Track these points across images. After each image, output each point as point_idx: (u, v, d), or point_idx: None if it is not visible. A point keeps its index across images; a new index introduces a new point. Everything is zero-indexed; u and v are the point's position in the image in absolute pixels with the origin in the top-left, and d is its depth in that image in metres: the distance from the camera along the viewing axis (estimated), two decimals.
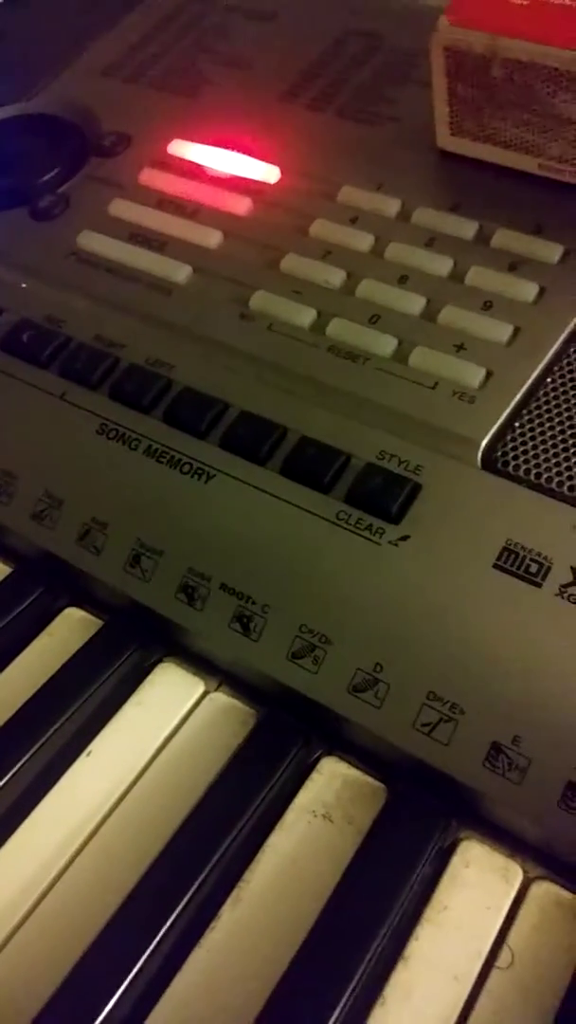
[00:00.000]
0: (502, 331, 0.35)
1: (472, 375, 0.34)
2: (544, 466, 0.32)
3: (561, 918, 0.28)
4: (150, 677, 0.34)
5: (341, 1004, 0.26)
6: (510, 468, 0.32)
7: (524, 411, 0.33)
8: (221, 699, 0.34)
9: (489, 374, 0.34)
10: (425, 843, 0.29)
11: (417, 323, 0.36)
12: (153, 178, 0.43)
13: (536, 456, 0.32)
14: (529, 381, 0.34)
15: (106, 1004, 0.27)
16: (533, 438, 0.32)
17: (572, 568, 0.30)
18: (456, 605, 0.30)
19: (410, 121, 0.43)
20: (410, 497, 0.32)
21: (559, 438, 0.32)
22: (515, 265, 0.37)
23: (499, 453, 0.32)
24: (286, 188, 0.42)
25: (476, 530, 0.31)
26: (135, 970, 0.27)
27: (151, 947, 0.28)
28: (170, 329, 0.38)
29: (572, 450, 0.32)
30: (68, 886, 0.30)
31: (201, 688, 0.34)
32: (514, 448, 0.32)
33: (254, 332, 0.37)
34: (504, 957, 0.27)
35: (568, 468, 0.32)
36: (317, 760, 0.32)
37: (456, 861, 0.29)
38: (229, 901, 0.29)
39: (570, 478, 0.31)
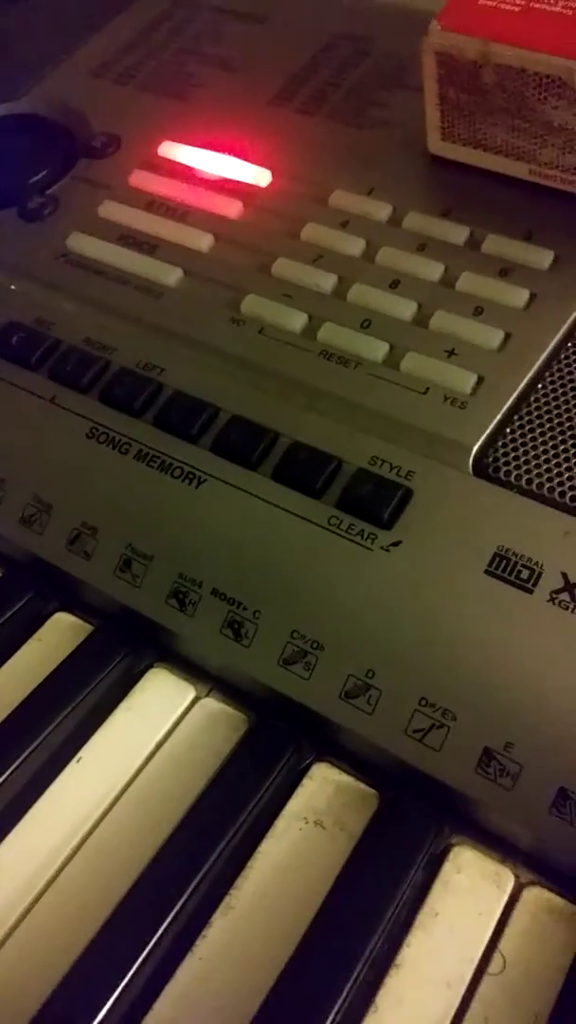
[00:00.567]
0: (493, 337, 0.35)
1: (463, 381, 0.34)
2: (535, 472, 0.32)
3: (553, 924, 0.28)
4: (141, 683, 0.34)
5: (333, 1011, 0.26)
6: (501, 474, 0.32)
7: (515, 417, 0.33)
8: (212, 705, 0.34)
9: (480, 380, 0.34)
10: (417, 849, 0.29)
11: (408, 328, 0.36)
12: (143, 180, 0.43)
13: (527, 462, 0.32)
14: (520, 387, 0.34)
15: (98, 1013, 0.26)
16: (524, 444, 0.32)
17: (563, 574, 0.30)
18: (447, 611, 0.30)
19: (401, 126, 0.43)
20: (401, 503, 0.32)
21: (550, 444, 0.32)
22: (506, 271, 0.37)
23: (490, 459, 0.32)
24: (277, 192, 0.41)
25: (467, 536, 0.31)
26: (127, 978, 0.27)
27: (143, 955, 0.27)
28: (161, 332, 0.38)
29: (563, 456, 0.32)
30: (59, 894, 0.29)
31: (192, 694, 0.34)
32: (505, 454, 0.32)
33: (245, 336, 0.37)
34: (496, 963, 0.28)
35: (559, 474, 0.32)
36: (309, 766, 0.32)
37: (448, 867, 0.29)
38: (221, 908, 0.29)
39: (561, 484, 0.31)
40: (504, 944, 0.28)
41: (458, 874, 0.29)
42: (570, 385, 0.34)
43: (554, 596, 0.29)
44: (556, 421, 0.33)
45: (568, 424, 0.33)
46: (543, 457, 0.32)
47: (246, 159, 0.43)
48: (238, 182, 0.42)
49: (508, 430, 0.33)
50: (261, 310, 0.37)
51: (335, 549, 0.32)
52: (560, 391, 0.33)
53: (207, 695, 0.34)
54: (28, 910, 0.29)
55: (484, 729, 0.29)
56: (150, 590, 0.34)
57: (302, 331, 0.37)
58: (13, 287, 0.41)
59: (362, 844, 0.29)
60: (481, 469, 0.32)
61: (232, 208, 0.41)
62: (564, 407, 0.33)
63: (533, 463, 0.32)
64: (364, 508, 0.32)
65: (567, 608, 0.29)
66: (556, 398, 0.33)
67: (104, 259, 0.41)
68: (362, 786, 0.31)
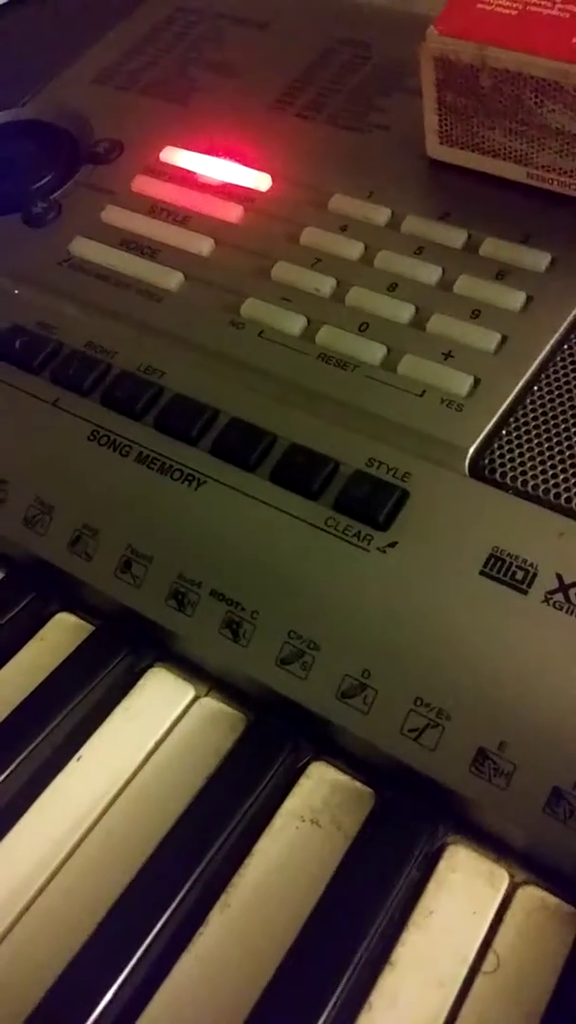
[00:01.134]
0: (490, 339, 0.35)
1: (460, 383, 0.34)
2: (531, 473, 0.32)
3: (547, 923, 0.28)
4: (140, 682, 0.34)
5: (328, 1009, 0.26)
6: (497, 475, 0.32)
7: (511, 419, 0.33)
8: (211, 704, 0.34)
9: (477, 382, 0.34)
10: (412, 848, 0.29)
11: (406, 331, 0.36)
12: (145, 185, 0.44)
13: (523, 463, 0.32)
14: (516, 389, 0.34)
15: (95, 1009, 0.27)
16: (520, 446, 0.33)
17: (558, 575, 0.30)
18: (443, 611, 0.30)
19: (400, 130, 0.43)
20: (398, 504, 0.32)
21: (546, 446, 0.32)
22: (503, 274, 0.37)
23: (486, 460, 0.33)
24: (277, 196, 0.42)
25: (463, 537, 0.31)
26: (123, 975, 0.27)
27: (140, 952, 0.28)
28: (161, 336, 0.38)
29: (559, 457, 0.32)
30: (58, 890, 0.30)
31: (191, 693, 0.34)
32: (501, 456, 0.33)
33: (245, 339, 0.37)
34: (490, 962, 0.28)
35: (555, 475, 0.32)
36: (306, 765, 0.32)
37: (443, 866, 0.29)
38: (217, 906, 0.29)
39: (556, 485, 0.32)
40: (498, 943, 0.28)
41: (453, 873, 0.29)
42: (566, 387, 0.34)
43: (549, 597, 0.30)
44: (552, 423, 0.33)
45: (564, 426, 0.33)
46: (539, 459, 0.32)
47: (247, 164, 0.43)
48: (239, 186, 0.43)
49: (504, 432, 0.33)
50: (260, 313, 0.38)
51: (332, 550, 0.32)
52: (556, 393, 0.34)
53: (206, 695, 0.34)
54: (27, 907, 0.29)
55: (478, 729, 0.29)
56: (150, 591, 0.34)
57: (301, 334, 0.37)
58: (16, 291, 0.41)
59: (358, 843, 0.30)
60: (477, 471, 0.33)
61: (232, 212, 0.41)
62: (560, 409, 0.33)
63: (529, 465, 0.32)
64: (361, 509, 0.32)
65: (561, 609, 0.29)
66: (552, 400, 0.33)
67: (106, 264, 0.41)
68: (358, 785, 0.31)
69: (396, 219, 0.40)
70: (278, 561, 0.32)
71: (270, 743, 0.32)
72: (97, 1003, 0.27)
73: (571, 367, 0.34)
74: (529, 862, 0.29)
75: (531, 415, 0.33)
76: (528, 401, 0.34)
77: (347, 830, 0.30)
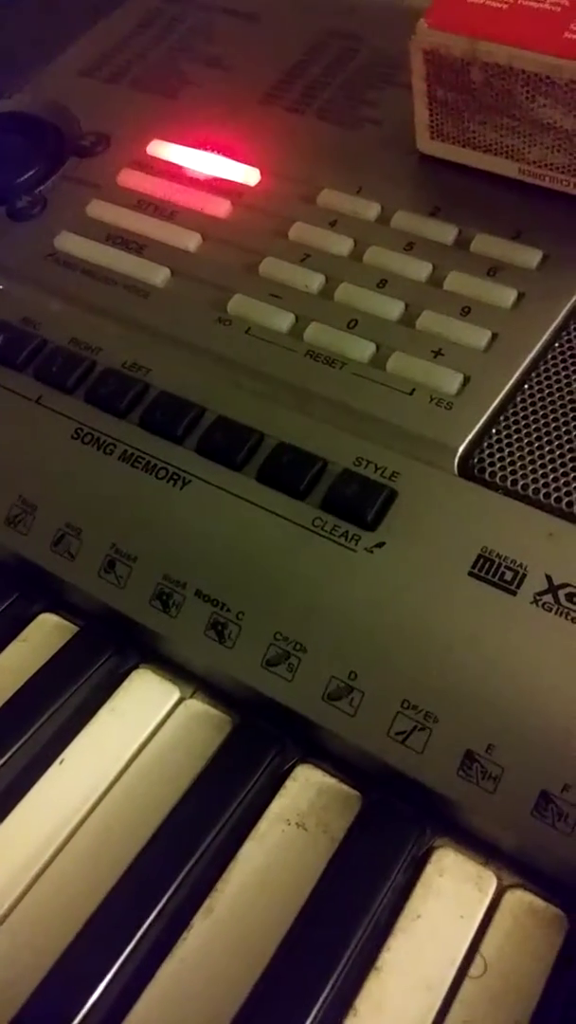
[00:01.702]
0: (480, 337, 0.35)
1: (449, 381, 0.34)
2: (520, 473, 0.32)
3: (535, 927, 0.28)
4: (125, 684, 0.34)
5: (313, 1014, 0.26)
6: (486, 475, 0.32)
7: (501, 418, 0.33)
8: (196, 706, 0.33)
9: (467, 380, 0.34)
10: (399, 852, 0.29)
11: (395, 328, 0.36)
12: (132, 179, 0.43)
13: (513, 463, 0.32)
14: (506, 388, 0.34)
15: (77, 1015, 0.26)
16: (510, 445, 0.32)
17: (547, 576, 0.30)
18: (431, 613, 0.30)
19: (390, 124, 0.42)
20: (386, 504, 0.32)
21: (536, 445, 0.32)
22: (494, 270, 0.36)
23: (476, 460, 0.32)
24: (266, 191, 0.41)
25: (452, 537, 0.31)
26: (106, 981, 0.27)
27: (123, 957, 0.27)
28: (147, 332, 0.38)
29: (548, 457, 0.32)
30: (40, 895, 0.29)
31: (176, 695, 0.34)
32: (491, 455, 0.32)
33: (232, 336, 0.37)
34: (477, 966, 0.27)
35: (544, 475, 0.31)
36: (292, 768, 0.32)
37: (430, 870, 0.29)
38: (201, 910, 0.29)
39: (546, 485, 0.31)
40: (486, 947, 0.28)
41: (440, 877, 0.29)
42: (556, 386, 0.33)
43: (538, 598, 0.29)
44: (542, 422, 0.33)
45: (554, 425, 0.32)
46: (529, 458, 0.32)
47: (235, 158, 0.43)
48: (227, 181, 0.42)
49: (494, 431, 0.33)
50: (248, 310, 0.37)
51: (319, 550, 0.32)
52: (547, 392, 0.33)
53: (191, 696, 0.34)
54: (8, 912, 0.29)
55: (466, 732, 0.29)
56: (134, 591, 0.33)
57: (289, 331, 0.37)
58: (0, 287, 0.41)
59: (344, 846, 0.29)
60: (466, 470, 0.32)
61: (220, 207, 0.41)
62: (550, 408, 0.33)
63: (519, 464, 0.32)
64: (348, 509, 0.32)
65: (550, 610, 0.29)
66: (542, 399, 0.33)
67: (92, 259, 0.40)
68: (345, 788, 0.31)
69: (386, 214, 0.39)
70: (264, 561, 0.32)
71: (256, 745, 0.32)
72: (80, 1008, 0.26)
73: (562, 365, 0.34)
74: (517, 865, 0.29)
75: (521, 414, 0.33)
76: (518, 399, 0.33)
77: (334, 833, 0.30)
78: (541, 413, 0.33)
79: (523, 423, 0.33)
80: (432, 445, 0.33)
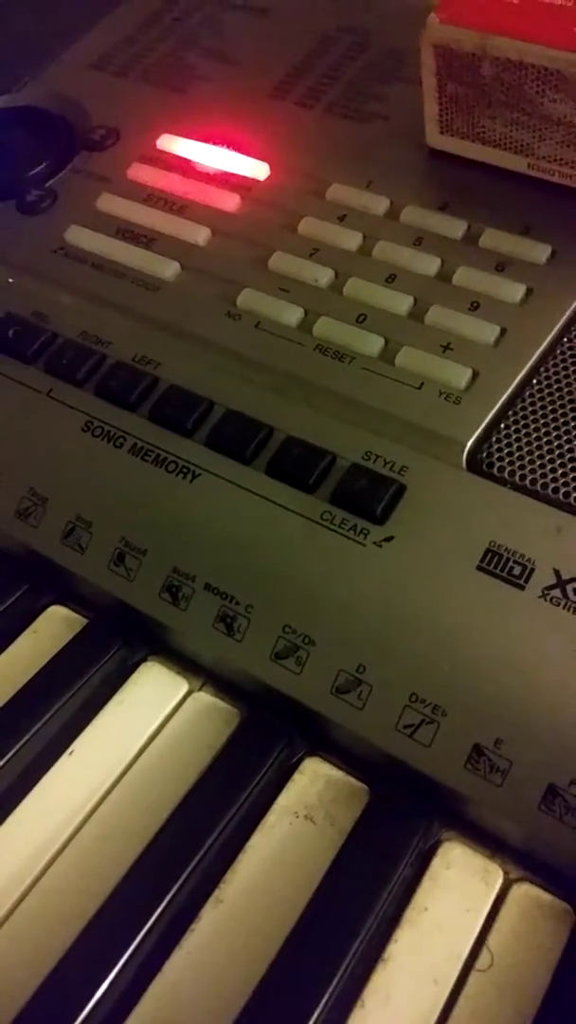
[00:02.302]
0: (489, 332, 0.35)
1: (458, 376, 0.34)
2: (529, 468, 0.32)
3: (541, 920, 0.28)
4: (134, 676, 0.34)
5: (320, 1006, 0.26)
6: (495, 469, 0.32)
7: (510, 412, 0.33)
8: (204, 698, 0.34)
9: (475, 375, 0.34)
10: (406, 845, 0.29)
11: (404, 323, 0.36)
12: (142, 173, 0.43)
13: (521, 458, 0.32)
14: (515, 382, 0.34)
15: (85, 1006, 0.27)
16: (519, 440, 0.32)
17: (555, 570, 0.30)
18: (439, 607, 0.30)
19: (400, 119, 0.42)
20: (395, 498, 0.32)
21: (544, 440, 0.32)
22: (503, 265, 0.36)
23: (484, 454, 0.32)
24: (275, 185, 0.41)
25: (460, 531, 0.31)
26: (115, 971, 0.27)
27: (131, 948, 0.28)
28: (157, 326, 0.38)
29: (557, 452, 0.32)
30: (49, 886, 0.30)
31: (185, 687, 0.34)
32: (499, 450, 0.32)
33: (241, 330, 0.37)
34: (484, 959, 0.28)
35: (553, 470, 0.31)
36: (300, 760, 0.32)
37: (437, 863, 0.29)
38: (210, 902, 0.29)
39: (555, 480, 0.31)
40: (492, 940, 0.28)
41: (447, 870, 0.29)
42: (565, 380, 0.33)
43: (546, 592, 0.29)
44: (551, 417, 0.33)
45: (563, 420, 0.32)
46: (537, 453, 0.32)
47: (244, 152, 0.43)
48: (236, 175, 0.42)
49: (502, 425, 0.33)
50: (257, 304, 0.37)
51: (328, 544, 0.32)
52: (555, 386, 0.33)
53: (200, 689, 0.34)
54: (18, 902, 0.29)
55: (474, 725, 0.29)
56: (143, 584, 0.34)
57: (298, 325, 0.37)
58: (10, 280, 0.41)
59: (352, 839, 0.29)
60: (475, 464, 0.32)
61: (230, 202, 0.41)
62: (559, 403, 0.33)
63: (527, 459, 0.32)
64: (357, 503, 0.32)
65: (559, 605, 0.29)
66: (551, 394, 0.33)
67: (101, 252, 0.41)
68: (353, 781, 0.31)
69: (395, 209, 0.39)
70: (273, 555, 0.32)
71: (264, 738, 0.32)
72: (89, 999, 0.27)
73: (571, 360, 0.34)
74: (524, 859, 0.29)
75: (530, 409, 0.33)
76: (527, 395, 0.33)
77: (341, 826, 0.30)
78: (550, 408, 0.33)
79: (532, 418, 0.33)
80: (441, 439, 0.33)
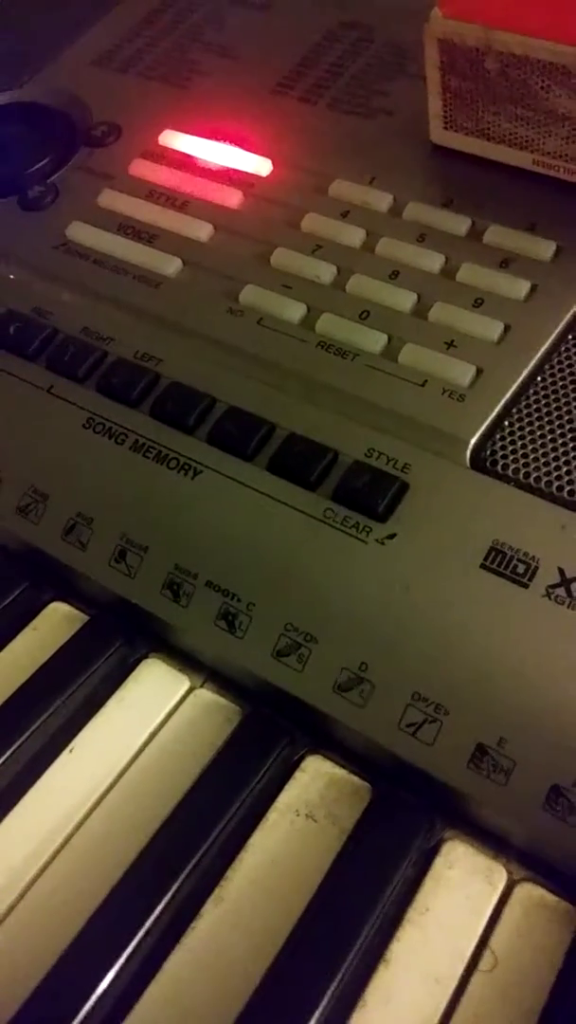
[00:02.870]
0: (493, 329, 0.34)
1: (462, 373, 0.34)
2: (533, 466, 0.31)
3: (545, 920, 0.28)
4: (135, 673, 0.34)
5: (322, 1006, 0.26)
6: (499, 467, 0.32)
7: (514, 410, 0.33)
8: (206, 696, 0.33)
9: (479, 372, 0.34)
10: (409, 844, 0.29)
11: (407, 320, 0.36)
12: (143, 169, 0.43)
13: (525, 456, 0.32)
14: (519, 380, 0.33)
15: (85, 1003, 0.26)
16: (522, 437, 0.32)
17: (560, 569, 0.29)
18: (442, 605, 0.30)
19: (403, 114, 0.42)
20: (397, 495, 0.32)
21: (548, 437, 0.32)
22: (507, 262, 0.36)
23: (488, 452, 0.32)
24: (277, 181, 0.41)
25: (463, 529, 0.31)
26: (115, 969, 0.27)
27: (131, 946, 0.27)
28: (159, 323, 0.38)
29: (561, 450, 0.32)
30: (49, 883, 0.29)
31: (186, 685, 0.34)
32: (503, 447, 0.32)
33: (243, 327, 0.37)
34: (487, 960, 0.27)
35: (557, 468, 0.31)
36: (301, 758, 0.32)
37: (439, 862, 0.29)
38: (211, 900, 0.29)
39: (559, 478, 0.31)
40: (495, 941, 0.28)
41: (450, 869, 0.29)
42: (570, 378, 0.33)
43: (550, 591, 0.29)
44: (555, 414, 0.32)
45: (567, 418, 0.32)
46: (541, 451, 0.32)
47: (247, 148, 0.42)
48: (239, 171, 0.42)
49: (506, 423, 0.33)
50: (260, 300, 0.37)
51: (330, 541, 0.32)
52: (559, 384, 0.33)
53: (201, 686, 0.34)
54: (18, 900, 0.29)
55: (477, 724, 0.28)
56: (144, 581, 0.33)
57: (300, 322, 0.36)
58: (12, 276, 0.41)
59: (353, 838, 0.29)
60: (478, 462, 0.32)
61: (232, 197, 0.41)
62: (563, 400, 0.33)
63: (531, 457, 0.32)
64: (360, 501, 0.32)
65: (563, 603, 0.29)
66: (555, 391, 0.33)
67: (103, 249, 0.40)
68: (355, 779, 0.31)
69: (398, 205, 0.39)
70: (275, 552, 0.32)
71: (266, 736, 0.32)
72: (90, 996, 0.26)
73: (575, 358, 0.34)
74: (527, 859, 0.29)
75: (534, 406, 0.33)
76: (531, 392, 0.33)
77: (343, 825, 0.30)
78: (554, 405, 0.33)
79: (535, 415, 0.33)
80: (444, 437, 0.33)
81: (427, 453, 0.32)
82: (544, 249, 0.36)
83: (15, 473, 0.36)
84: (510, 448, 0.32)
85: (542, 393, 0.33)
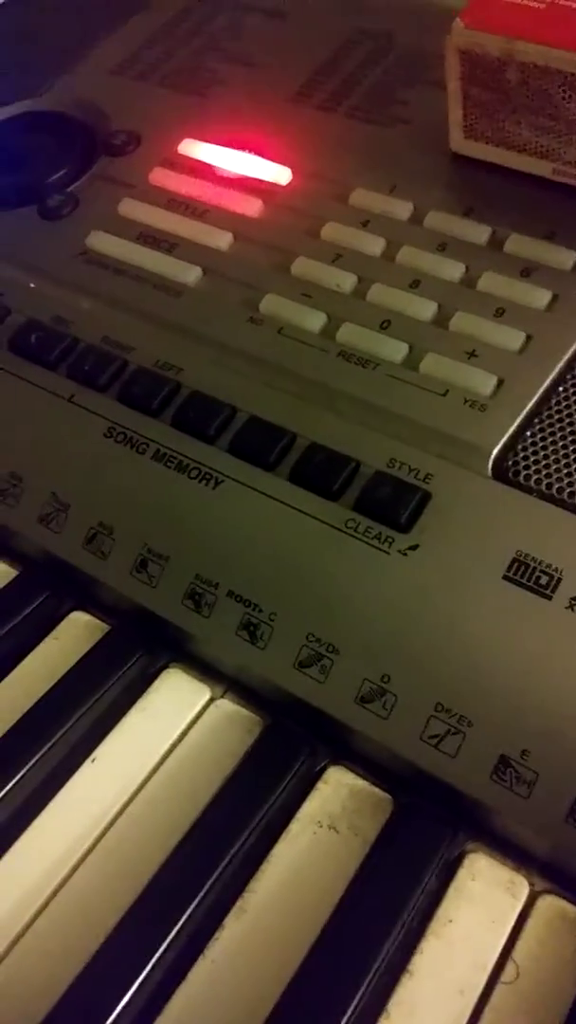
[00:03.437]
0: (514, 338, 0.34)
1: (483, 383, 0.34)
2: (555, 476, 0.31)
3: (567, 932, 0.28)
4: (156, 683, 0.34)
5: (345, 1017, 0.26)
6: (521, 478, 0.32)
7: (535, 420, 0.33)
8: (227, 706, 0.33)
9: (500, 382, 0.34)
10: (431, 855, 0.29)
11: (428, 329, 0.36)
12: (163, 178, 0.43)
13: (547, 466, 0.32)
14: (541, 389, 0.33)
15: (110, 1014, 0.26)
16: (544, 447, 0.32)
17: None
18: (465, 616, 0.30)
19: (423, 123, 0.42)
20: (420, 506, 0.32)
21: (571, 448, 0.32)
22: (528, 271, 0.36)
23: (510, 462, 0.32)
24: (297, 190, 0.41)
25: (486, 540, 0.31)
26: (139, 981, 0.27)
27: (155, 957, 0.27)
28: (179, 332, 0.38)
29: None
30: (71, 894, 0.29)
31: (207, 695, 0.34)
32: (525, 457, 0.32)
33: (264, 336, 0.37)
34: (509, 971, 0.27)
35: None
36: (323, 769, 0.32)
37: (462, 874, 0.29)
38: (233, 912, 0.29)
39: None
40: (518, 953, 0.28)
41: (472, 881, 0.29)
42: None
43: (573, 603, 0.29)
44: None
45: None
46: (563, 461, 0.32)
47: (266, 157, 0.43)
48: (258, 180, 0.42)
49: (528, 433, 0.32)
50: (280, 310, 0.37)
51: (352, 552, 0.32)
52: None
53: (222, 696, 0.34)
54: (41, 910, 0.29)
55: (500, 736, 0.28)
56: (166, 591, 0.33)
57: (321, 331, 0.36)
58: (32, 285, 0.41)
59: (376, 849, 0.29)
60: (500, 472, 0.32)
61: (252, 206, 0.41)
62: None
63: (553, 467, 0.32)
64: (382, 511, 0.32)
65: None
66: None
67: (123, 258, 0.41)
68: (377, 791, 0.31)
69: (419, 214, 0.39)
70: (297, 563, 0.32)
71: (287, 747, 0.32)
72: (113, 1008, 0.27)
73: None
74: (550, 871, 0.29)
75: (556, 416, 0.33)
76: (553, 402, 0.33)
77: (365, 836, 0.30)
78: None
79: (558, 425, 0.33)
80: (466, 447, 0.32)
81: (449, 463, 0.32)
82: (565, 258, 0.36)
83: (36, 483, 0.36)
84: (532, 458, 0.32)
85: (564, 403, 0.33)
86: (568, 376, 0.34)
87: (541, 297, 0.35)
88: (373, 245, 0.38)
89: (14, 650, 0.35)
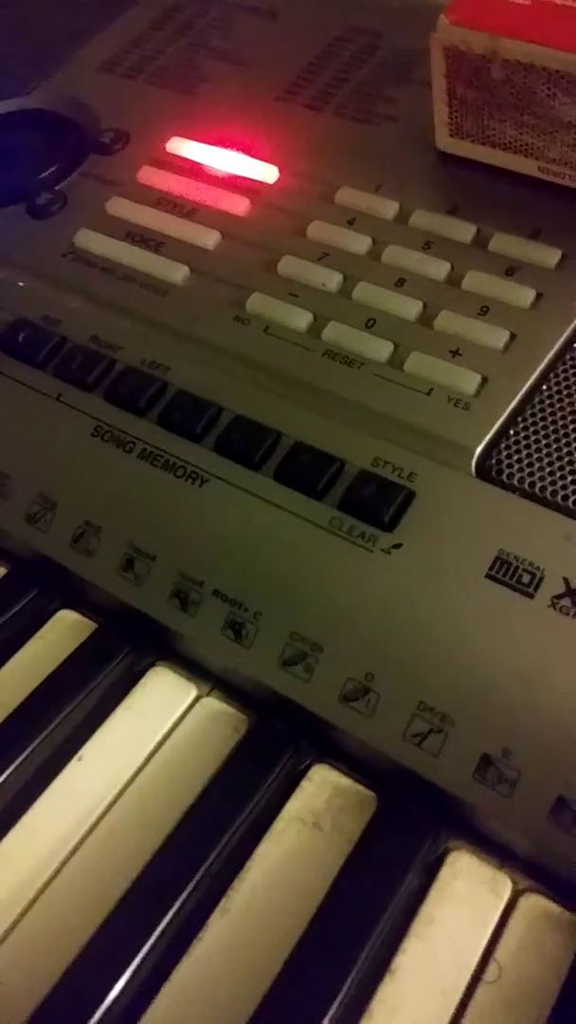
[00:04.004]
0: (498, 337, 0.34)
1: (467, 381, 0.34)
2: (539, 475, 0.31)
3: (549, 931, 0.28)
4: (142, 681, 0.34)
5: (328, 1016, 0.26)
6: (504, 476, 0.32)
7: (519, 419, 0.33)
8: (213, 704, 0.34)
9: (484, 380, 0.34)
10: (414, 854, 0.29)
11: (413, 328, 0.36)
12: (151, 176, 0.43)
13: (531, 465, 0.32)
14: (524, 388, 0.33)
15: (93, 1014, 0.26)
16: (528, 446, 0.32)
17: (565, 579, 0.29)
18: (448, 615, 0.30)
19: (409, 121, 0.42)
20: (403, 505, 0.32)
21: (554, 447, 0.32)
22: (512, 270, 0.36)
23: (493, 461, 0.32)
24: (284, 188, 0.41)
25: (469, 539, 0.31)
26: (123, 980, 0.27)
27: (139, 956, 0.27)
28: (166, 331, 0.38)
29: (567, 459, 0.32)
30: (56, 893, 0.30)
31: (193, 693, 0.34)
32: (508, 456, 0.32)
33: (250, 335, 0.37)
34: (492, 971, 0.27)
35: (563, 477, 0.31)
36: (308, 768, 0.32)
37: (445, 872, 0.29)
38: (217, 910, 0.29)
39: (564, 487, 0.31)
40: (500, 952, 0.28)
41: (455, 880, 0.29)
42: (575, 387, 0.33)
43: (555, 601, 0.29)
44: (560, 423, 0.32)
45: (573, 426, 0.32)
46: (547, 460, 0.32)
47: (254, 155, 0.43)
48: (246, 178, 0.42)
49: (512, 432, 0.33)
50: (266, 309, 0.37)
51: (336, 551, 0.32)
52: (565, 392, 0.33)
53: (208, 695, 0.34)
54: (26, 910, 0.29)
55: (483, 735, 0.28)
56: (152, 589, 0.34)
57: (307, 330, 0.36)
58: (20, 284, 0.41)
59: (359, 848, 0.29)
60: (484, 471, 0.32)
61: (239, 205, 0.41)
62: (569, 409, 0.33)
63: (536, 466, 0.32)
64: (366, 510, 0.32)
65: (567, 613, 0.29)
66: (561, 400, 0.33)
67: (111, 256, 0.41)
68: (361, 789, 0.31)
69: (404, 213, 0.39)
70: (282, 561, 0.32)
71: (272, 745, 0.32)
72: (96, 1007, 0.27)
73: None
74: (532, 870, 0.29)
75: (539, 415, 0.33)
76: (537, 401, 0.33)
77: (349, 834, 0.30)
78: (559, 414, 0.33)
79: (541, 424, 0.33)
80: (450, 446, 0.33)
81: (433, 462, 0.32)
82: (549, 256, 0.36)
83: (23, 481, 0.36)
84: (515, 457, 0.32)
85: (548, 401, 0.33)
86: (551, 375, 0.34)
87: (525, 296, 0.35)
88: (359, 244, 0.38)
89: (1, 648, 0.35)
